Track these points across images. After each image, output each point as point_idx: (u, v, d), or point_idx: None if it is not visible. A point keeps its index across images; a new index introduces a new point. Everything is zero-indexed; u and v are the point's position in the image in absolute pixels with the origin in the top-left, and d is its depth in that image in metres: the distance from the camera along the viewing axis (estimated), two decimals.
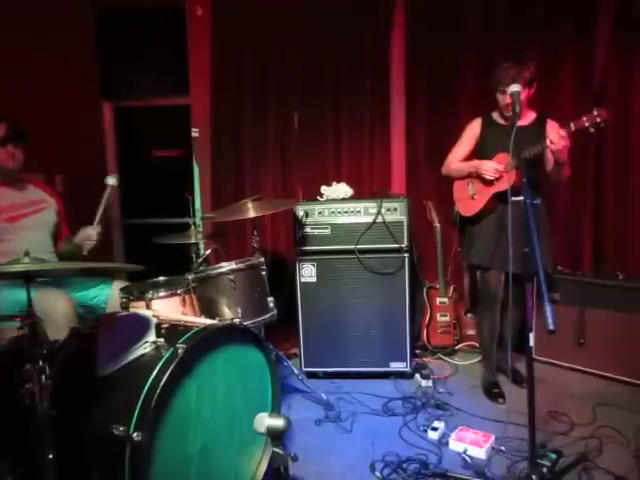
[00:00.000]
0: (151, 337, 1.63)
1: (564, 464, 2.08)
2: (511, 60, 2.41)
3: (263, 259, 2.55)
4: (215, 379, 1.72)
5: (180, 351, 1.49)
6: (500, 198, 2.55)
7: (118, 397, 1.49)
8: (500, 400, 2.67)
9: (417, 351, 3.37)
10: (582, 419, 2.48)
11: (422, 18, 3.47)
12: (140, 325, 1.64)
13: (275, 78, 3.60)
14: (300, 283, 3.00)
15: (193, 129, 3.73)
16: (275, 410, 2.02)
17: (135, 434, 1.35)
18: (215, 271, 2.40)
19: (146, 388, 1.42)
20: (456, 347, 3.40)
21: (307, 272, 2.99)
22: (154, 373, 1.45)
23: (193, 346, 1.53)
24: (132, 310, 2.06)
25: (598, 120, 2.17)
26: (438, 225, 3.35)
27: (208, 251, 2.70)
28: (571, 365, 3.09)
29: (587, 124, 2.20)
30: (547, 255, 2.57)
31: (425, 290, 3.43)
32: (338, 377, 3.03)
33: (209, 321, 1.91)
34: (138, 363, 1.56)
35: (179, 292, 2.18)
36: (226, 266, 2.40)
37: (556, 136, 2.25)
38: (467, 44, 3.44)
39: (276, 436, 1.60)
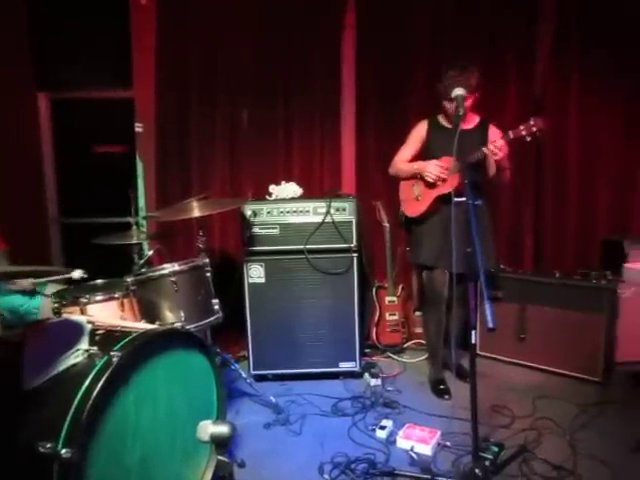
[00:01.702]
0: (84, 345, 1.53)
1: (505, 456, 2.15)
2: (457, 68, 2.46)
3: (208, 260, 2.47)
4: (156, 387, 1.65)
5: (115, 359, 1.41)
6: (444, 200, 2.60)
7: (46, 411, 1.39)
8: (446, 397, 2.73)
9: (367, 350, 3.39)
10: (522, 411, 2.57)
11: (373, 19, 3.49)
12: (72, 332, 1.54)
13: (224, 75, 3.51)
14: (248, 284, 2.94)
15: (136, 124, 3.58)
16: (220, 416, 1.96)
17: (64, 451, 1.26)
18: (156, 273, 2.30)
19: (76, 400, 1.33)
20: (405, 345, 3.45)
21: (255, 273, 2.93)
22: (86, 384, 1.37)
23: (129, 353, 1.46)
24: (65, 316, 1.94)
25: (534, 129, 2.26)
26: (387, 225, 3.38)
27: (151, 252, 2.58)
28: (513, 360, 3.20)
29: (524, 133, 2.28)
30: (490, 255, 2.67)
31: (374, 289, 3.45)
32: (288, 379, 2.99)
33: (149, 326, 1.83)
34: (69, 374, 1.46)
35: (117, 296, 2.08)
36: (168, 267, 2.31)
37: (497, 146, 2.36)
38: (417, 46, 3.49)
39: (221, 443, 1.55)
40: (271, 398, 2.67)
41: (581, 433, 2.37)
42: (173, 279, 2.28)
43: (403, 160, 2.81)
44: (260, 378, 2.99)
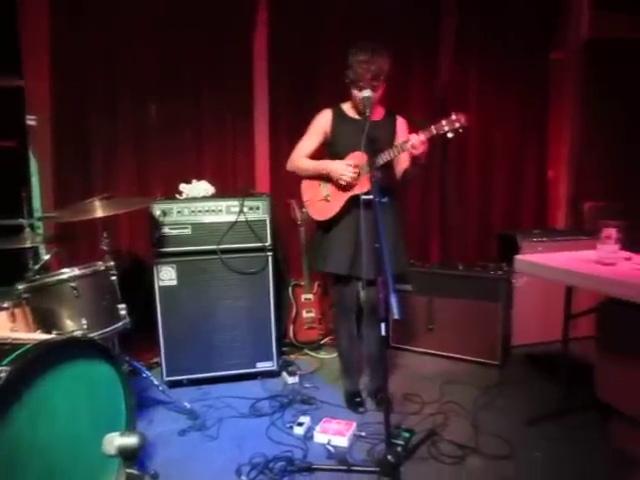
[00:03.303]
0: None
1: (416, 440, 2.26)
2: (367, 51, 2.25)
3: (113, 263, 2.34)
4: (54, 400, 1.53)
5: (3, 374, 1.28)
6: (357, 201, 2.36)
7: None
8: (360, 409, 2.59)
9: (284, 349, 3.40)
10: (431, 397, 2.72)
11: (285, 17, 3.49)
12: None
13: (129, 71, 3.29)
14: (159, 287, 2.81)
15: (28, 116, 3.27)
16: (130, 427, 1.86)
17: None
18: (54, 278, 2.13)
19: None
20: (322, 342, 3.50)
21: (166, 275, 2.82)
22: None
23: (21, 367, 1.33)
24: None
25: (457, 125, 2.14)
26: (302, 223, 3.40)
27: (47, 256, 2.38)
28: (423, 349, 3.37)
29: (446, 128, 2.15)
30: (402, 258, 2.52)
31: (290, 288, 3.46)
32: (205, 383, 2.91)
33: (44, 336, 1.69)
34: None
35: (6, 305, 1.90)
36: (67, 272, 2.14)
37: (417, 141, 2.16)
38: (328, 44, 3.54)
39: (129, 456, 1.47)
40: (186, 404, 2.58)
41: (483, 413, 2.56)
42: (73, 284, 2.12)
43: (303, 155, 2.49)
44: (175, 384, 2.88)
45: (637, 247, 2.31)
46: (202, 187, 2.98)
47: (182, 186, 2.99)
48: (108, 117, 3.32)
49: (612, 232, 2.13)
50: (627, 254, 2.25)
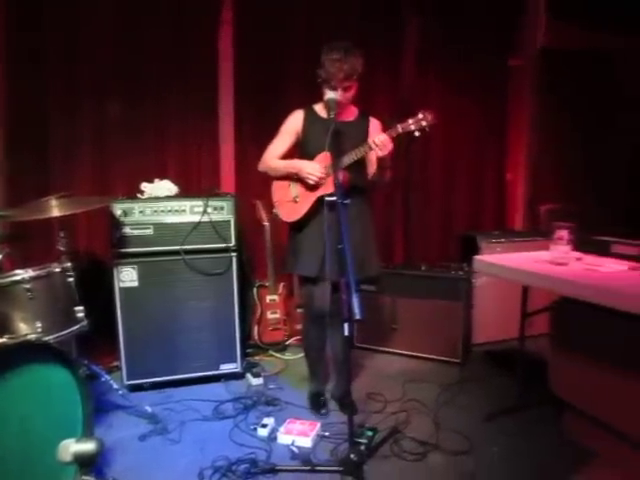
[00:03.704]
0: None
1: (379, 439, 2.29)
2: (340, 50, 2.23)
3: (70, 264, 2.26)
4: (7, 407, 1.48)
5: None
6: (324, 202, 2.27)
7: None
8: (323, 411, 2.58)
9: (249, 350, 3.38)
10: (394, 396, 2.76)
11: (250, 16, 3.47)
12: None
13: (90, 69, 3.20)
14: (119, 288, 2.75)
15: None
16: (87, 433, 1.81)
17: None
18: (5, 280, 2.04)
19: None
20: (287, 342, 3.49)
21: (127, 276, 2.75)
22: None
23: None
24: None
25: (424, 124, 2.12)
26: (267, 224, 3.39)
27: None
28: (387, 349, 3.41)
29: (413, 127, 2.13)
30: (373, 259, 2.50)
31: (255, 289, 3.44)
32: (167, 386, 2.85)
33: None
34: None
35: None
36: (20, 274, 2.06)
37: (383, 140, 2.14)
38: (294, 43, 3.55)
39: (86, 462, 1.44)
40: (147, 408, 2.53)
41: (444, 410, 2.61)
42: (27, 286, 2.04)
43: (275, 156, 2.47)
44: (136, 388, 2.82)
45: (588, 247, 2.42)
46: (165, 186, 2.92)
47: (144, 185, 2.93)
48: (68, 116, 3.22)
49: (564, 233, 2.22)
50: (578, 254, 2.35)
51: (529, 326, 2.69)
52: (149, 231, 2.78)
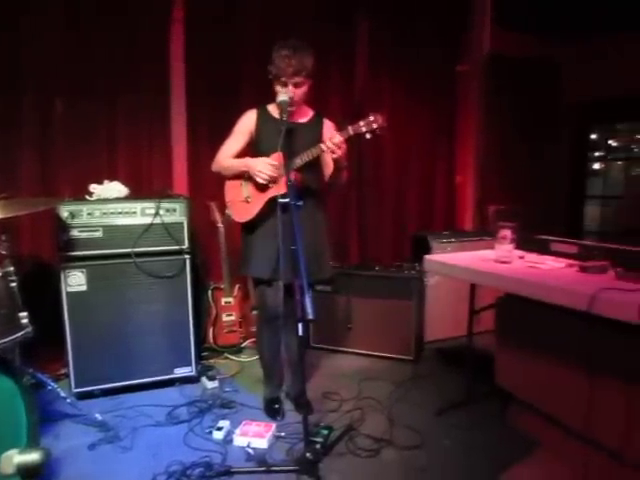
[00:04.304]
0: None
1: (334, 437, 2.33)
2: (289, 48, 2.25)
3: (13, 268, 2.17)
4: None
5: None
6: (278, 203, 2.20)
7: None
8: (278, 417, 2.55)
9: (204, 353, 3.34)
10: (350, 394, 2.80)
11: (202, 14, 3.42)
12: None
13: (37, 65, 3.07)
14: (67, 293, 2.65)
15: None
16: (32, 443, 1.75)
17: None
18: None
19: None
20: (243, 345, 3.48)
21: (75, 280, 2.66)
22: None
23: None
24: None
25: (375, 126, 2.12)
26: (221, 226, 3.36)
27: None
28: (343, 348, 3.46)
29: (364, 129, 2.13)
30: (326, 261, 2.51)
31: (210, 291, 3.41)
32: (119, 392, 2.78)
33: None
34: None
35: None
36: None
37: (335, 142, 2.14)
38: (248, 42, 3.53)
39: (31, 474, 1.39)
40: (97, 415, 2.46)
41: (397, 406, 2.68)
42: None
43: (228, 156, 2.45)
44: (85, 395, 2.72)
45: (530, 246, 2.55)
46: (115, 188, 2.85)
47: (93, 187, 2.84)
48: (11, 115, 3.07)
49: (507, 233, 2.33)
50: (521, 253, 2.48)
51: (478, 323, 2.80)
52: (98, 234, 2.71)
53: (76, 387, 2.71)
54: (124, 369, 2.78)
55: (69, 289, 2.66)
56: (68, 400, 2.49)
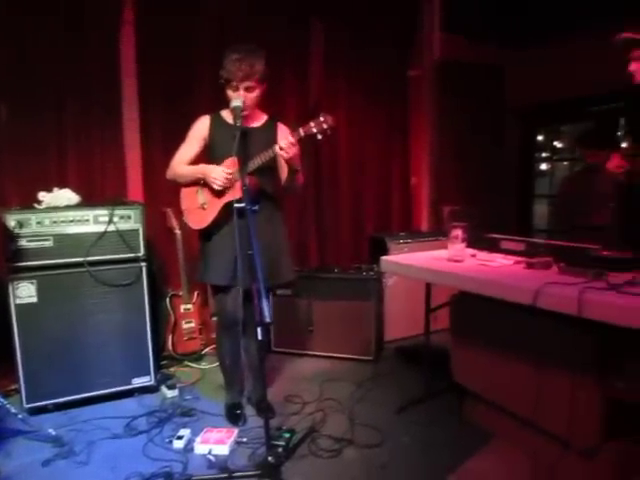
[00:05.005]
0: None
1: (296, 440, 2.34)
2: (240, 51, 2.25)
3: None
4: None
5: None
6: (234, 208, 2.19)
7: None
8: (240, 423, 2.53)
9: (164, 362, 3.29)
10: (311, 397, 2.82)
11: (154, 15, 3.36)
12: None
13: None
14: (16, 305, 2.55)
15: None
16: None
17: None
18: None
19: None
20: (203, 352, 3.44)
21: (24, 292, 2.57)
22: None
23: None
24: None
25: (325, 126, 2.15)
26: (179, 232, 3.31)
27: None
28: (304, 351, 3.48)
29: (315, 130, 2.16)
30: (286, 266, 2.52)
31: (168, 298, 3.35)
32: (75, 406, 2.69)
33: None
34: None
35: None
36: None
37: (287, 144, 2.17)
38: (203, 43, 3.49)
39: None
40: (50, 431, 2.38)
41: (358, 406, 2.72)
42: None
43: (182, 162, 2.44)
44: (38, 411, 2.63)
45: (481, 244, 2.64)
46: (65, 196, 2.77)
47: (42, 195, 2.75)
48: None
49: (459, 232, 2.42)
50: (473, 251, 2.57)
51: (435, 321, 2.88)
52: (49, 243, 2.62)
53: (28, 402, 2.61)
54: (79, 382, 2.70)
55: (18, 301, 2.56)
56: (20, 416, 2.39)
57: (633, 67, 2.23)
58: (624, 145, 2.18)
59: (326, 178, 4.00)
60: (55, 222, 2.64)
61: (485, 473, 2.14)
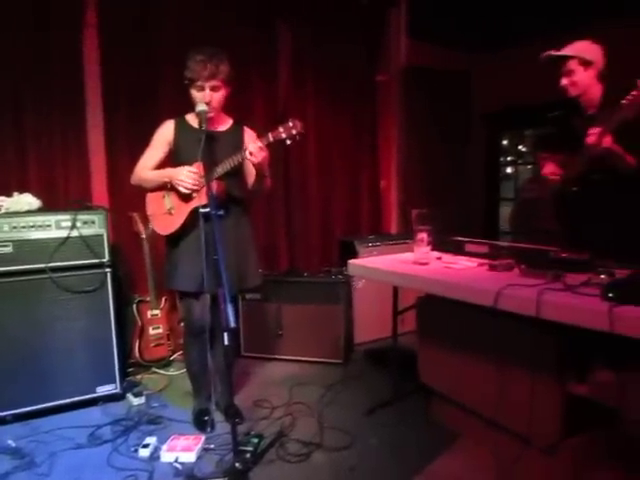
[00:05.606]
0: None
1: (265, 445, 2.33)
2: (205, 53, 2.24)
3: None
4: None
5: None
6: (201, 213, 2.22)
7: None
8: (208, 429, 2.48)
9: (130, 369, 3.22)
10: (280, 401, 2.82)
11: (117, 17, 3.29)
12: None
13: None
14: None
15: None
16: None
17: None
18: None
19: None
20: (171, 358, 3.39)
21: None
22: None
23: None
24: None
25: (294, 132, 2.15)
26: (145, 237, 3.26)
27: None
28: (274, 355, 3.47)
29: (284, 135, 2.15)
30: (253, 270, 2.52)
31: (135, 304, 3.29)
32: (35, 416, 2.61)
33: None
34: None
35: None
36: None
37: (256, 148, 2.16)
38: (167, 45, 3.44)
39: None
40: (9, 442, 2.30)
41: (327, 409, 2.73)
42: None
43: (147, 167, 2.40)
44: None
45: (447, 247, 2.69)
46: (25, 201, 2.69)
47: (0, 199, 2.66)
48: None
49: (424, 235, 2.46)
50: (438, 254, 2.62)
51: (403, 323, 2.92)
52: (8, 249, 2.55)
53: None
54: (39, 391, 2.63)
55: None
56: None
57: (564, 82, 2.32)
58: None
59: (295, 181, 4.00)
60: (15, 227, 2.56)
61: (451, 474, 2.18)
